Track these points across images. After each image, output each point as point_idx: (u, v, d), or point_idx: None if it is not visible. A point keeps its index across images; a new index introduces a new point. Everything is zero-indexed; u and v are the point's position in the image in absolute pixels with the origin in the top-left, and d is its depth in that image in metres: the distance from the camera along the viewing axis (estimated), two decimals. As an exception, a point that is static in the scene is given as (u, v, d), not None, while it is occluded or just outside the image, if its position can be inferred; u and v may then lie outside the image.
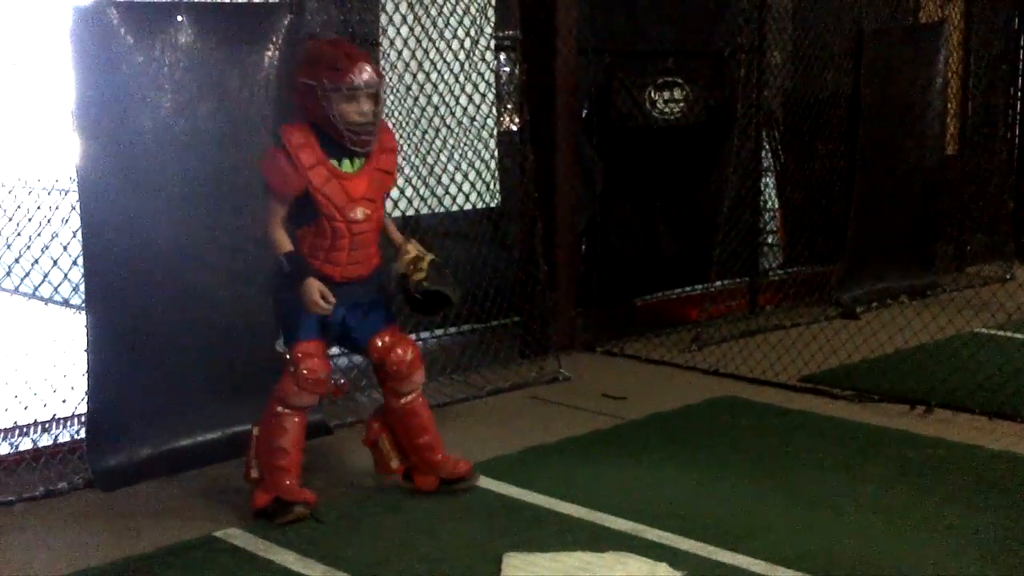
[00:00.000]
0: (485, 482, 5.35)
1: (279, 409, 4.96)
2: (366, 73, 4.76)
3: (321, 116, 4.77)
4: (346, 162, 4.85)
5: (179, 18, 5.46)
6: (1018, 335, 8.01)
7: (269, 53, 5.74)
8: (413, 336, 7.13)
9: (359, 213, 4.86)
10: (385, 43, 6.78)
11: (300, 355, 4.91)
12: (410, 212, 7.00)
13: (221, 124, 5.62)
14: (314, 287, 4.80)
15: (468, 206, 7.31)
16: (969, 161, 10.67)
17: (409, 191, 6.95)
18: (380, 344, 5.07)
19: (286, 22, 5.81)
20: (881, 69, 9.06)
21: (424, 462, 5.19)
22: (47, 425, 5.83)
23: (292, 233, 4.89)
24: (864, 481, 5.39)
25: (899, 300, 9.31)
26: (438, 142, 7.09)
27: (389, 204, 6.77)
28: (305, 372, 4.90)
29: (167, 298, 5.51)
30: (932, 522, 4.88)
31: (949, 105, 10.09)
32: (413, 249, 5.09)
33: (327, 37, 6.23)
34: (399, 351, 5.08)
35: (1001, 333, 8.16)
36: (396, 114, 6.86)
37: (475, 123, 7.28)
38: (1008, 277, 10.24)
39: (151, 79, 5.40)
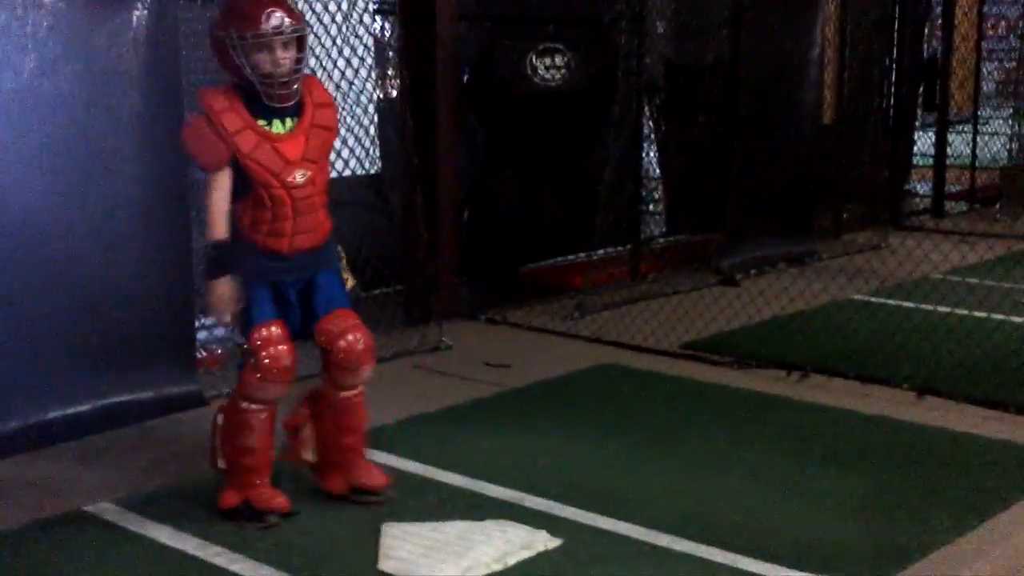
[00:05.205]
0: (365, 452, 5.29)
1: (243, 405, 4.50)
2: (276, 17, 4.31)
3: (236, 71, 4.39)
4: (277, 123, 4.42)
5: (43, -25, 5.26)
6: (891, 301, 8.17)
7: (137, 13, 5.56)
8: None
9: (298, 176, 4.41)
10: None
11: (259, 341, 4.43)
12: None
13: (88, 86, 5.43)
14: (222, 290, 4.45)
15: (347, 172, 7.19)
16: (845, 130, 10.83)
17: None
18: (330, 328, 4.58)
19: (155, -19, 5.64)
20: (759, 38, 9.13)
21: (342, 463, 4.77)
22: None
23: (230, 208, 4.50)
24: (743, 446, 5.44)
25: (777, 267, 9.43)
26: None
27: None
28: (267, 360, 4.42)
29: (34, 266, 5.33)
30: (808, 485, 4.94)
31: (826, 74, 10.22)
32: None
33: None
34: (351, 337, 4.57)
35: (875, 299, 8.32)
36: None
37: (353, 88, 7.15)
38: (883, 245, 10.44)
39: (13, 39, 5.19)
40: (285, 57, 4.36)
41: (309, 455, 4.83)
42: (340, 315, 4.62)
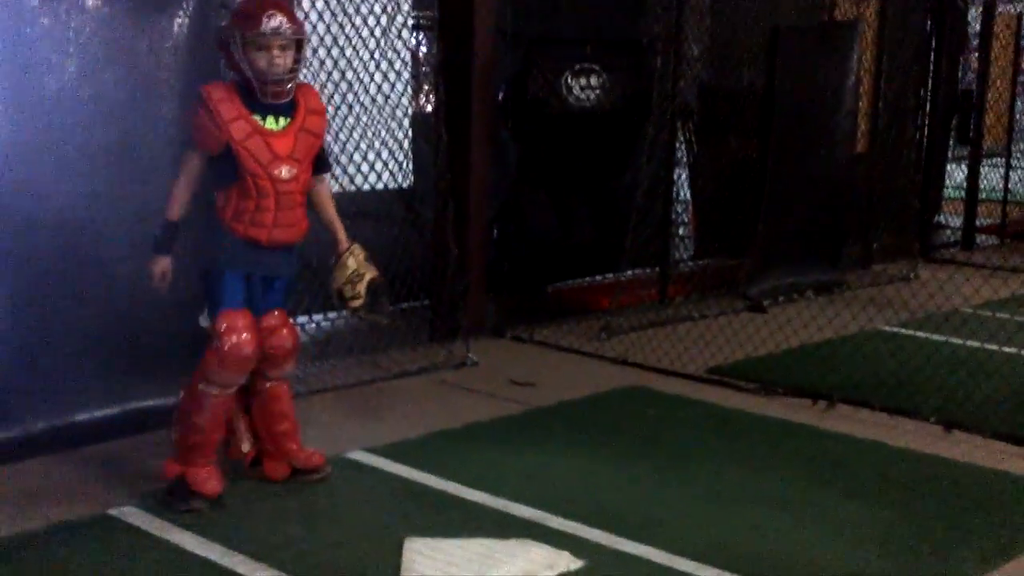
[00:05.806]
0: (389, 466, 5.31)
1: (200, 386, 4.73)
2: (276, 20, 4.59)
3: (237, 68, 4.65)
4: (270, 119, 4.68)
5: (87, -19, 5.31)
6: (920, 333, 8.13)
7: (179, 20, 5.60)
8: (320, 316, 7.08)
9: (284, 171, 4.68)
10: (299, 16, 6.64)
11: (225, 326, 4.68)
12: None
13: (128, 91, 5.47)
14: (159, 267, 4.84)
15: (380, 186, 7.21)
16: (878, 160, 10.78)
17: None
18: (266, 325, 4.88)
19: (197, -10, 5.68)
20: (795, 65, 9.11)
21: (279, 450, 5.06)
22: (-63, 396, 5.64)
23: (213, 195, 4.76)
24: (767, 474, 5.42)
25: (805, 295, 9.40)
26: (351, 119, 6.98)
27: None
28: (227, 347, 4.67)
29: (67, 268, 5.36)
30: (832, 516, 4.92)
31: (860, 103, 10.19)
32: (353, 263, 4.95)
33: None
34: (282, 335, 4.95)
35: (903, 331, 8.27)
36: (309, 89, 6.75)
37: (389, 102, 7.18)
38: (912, 276, 10.38)
39: (56, 43, 5.23)
40: (281, 58, 4.63)
41: (246, 446, 5.06)
42: (276, 314, 4.95)
